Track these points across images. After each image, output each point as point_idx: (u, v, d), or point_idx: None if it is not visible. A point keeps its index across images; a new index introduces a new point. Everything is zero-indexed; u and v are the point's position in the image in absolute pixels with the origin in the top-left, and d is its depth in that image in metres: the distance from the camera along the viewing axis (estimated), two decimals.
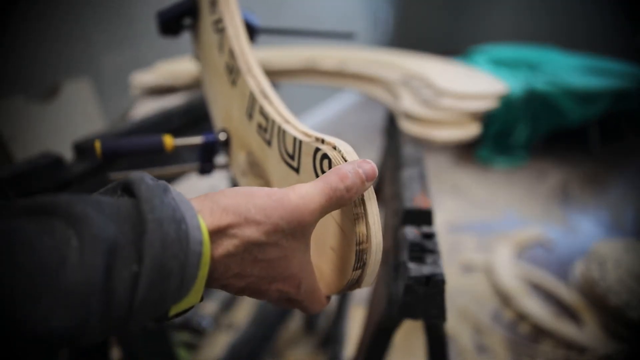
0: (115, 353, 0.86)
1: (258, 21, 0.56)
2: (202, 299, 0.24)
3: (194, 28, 0.53)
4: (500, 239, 1.68)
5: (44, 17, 1.21)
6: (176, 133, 0.70)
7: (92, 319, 0.18)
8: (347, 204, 0.26)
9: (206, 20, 0.48)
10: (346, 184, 0.25)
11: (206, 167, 0.50)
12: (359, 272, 0.27)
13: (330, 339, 1.18)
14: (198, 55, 0.55)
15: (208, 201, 0.23)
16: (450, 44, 3.58)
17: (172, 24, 0.51)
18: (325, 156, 0.28)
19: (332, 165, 0.27)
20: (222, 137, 0.46)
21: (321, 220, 0.30)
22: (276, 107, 0.36)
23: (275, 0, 2.31)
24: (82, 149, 0.57)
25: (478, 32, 3.65)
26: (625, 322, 1.19)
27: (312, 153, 0.29)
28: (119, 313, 0.19)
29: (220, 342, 1.20)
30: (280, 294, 0.27)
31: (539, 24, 3.37)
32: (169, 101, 0.76)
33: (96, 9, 1.34)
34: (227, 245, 0.23)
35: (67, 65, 1.30)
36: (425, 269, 0.36)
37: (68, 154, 0.57)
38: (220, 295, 1.37)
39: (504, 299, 1.38)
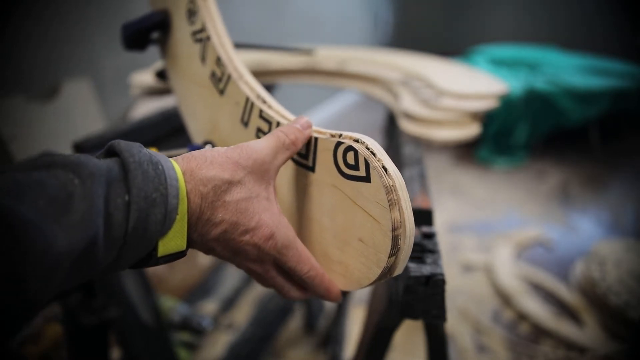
0: (115, 353, 0.86)
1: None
2: (187, 248, 0.27)
3: (164, 42, 0.50)
4: (500, 239, 1.68)
5: (45, 18, 1.21)
6: (175, 133, 0.70)
7: (100, 237, 0.21)
8: (292, 148, 0.31)
9: (182, 31, 0.47)
10: (284, 130, 0.31)
11: None
12: (393, 259, 0.28)
13: (330, 339, 1.18)
14: (167, 70, 0.52)
15: (181, 155, 0.29)
16: (450, 44, 3.58)
17: (138, 38, 0.48)
18: (350, 148, 0.28)
19: (359, 156, 0.28)
20: (207, 148, 0.45)
21: (345, 214, 0.30)
22: (278, 110, 0.36)
23: (276, 1, 2.31)
24: (82, 149, 0.57)
25: (478, 32, 3.65)
26: (625, 322, 1.19)
27: (332, 148, 0.30)
28: (118, 234, 0.23)
29: (220, 342, 1.20)
30: (259, 252, 0.28)
31: (539, 24, 3.37)
32: (169, 101, 0.76)
33: (96, 9, 1.34)
34: (197, 186, 0.26)
35: (67, 65, 1.30)
36: (425, 269, 0.36)
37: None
38: (220, 295, 1.37)
39: (504, 299, 1.38)
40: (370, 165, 0.27)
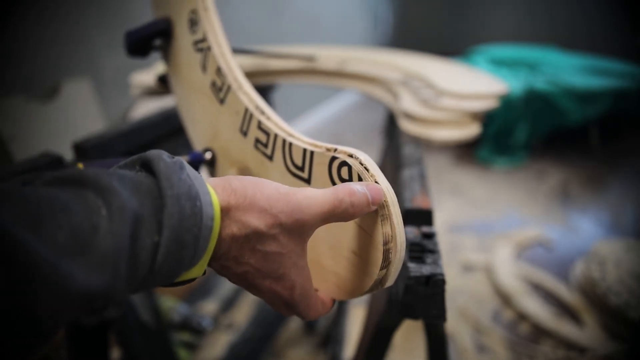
0: (115, 353, 0.86)
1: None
2: (204, 273, 0.26)
3: (166, 49, 0.51)
4: (500, 239, 1.68)
5: (45, 18, 1.21)
6: (175, 133, 0.70)
7: (121, 280, 0.20)
8: (348, 219, 0.27)
9: (184, 40, 0.47)
10: (352, 199, 0.26)
11: None
12: (384, 271, 0.29)
13: (330, 339, 1.18)
14: (169, 76, 0.53)
15: (222, 180, 0.26)
16: (451, 44, 3.58)
17: (141, 45, 0.49)
18: (344, 163, 0.29)
19: (352, 171, 0.28)
20: (207, 156, 0.46)
21: (340, 228, 0.30)
22: (276, 122, 0.37)
23: (276, 1, 2.31)
24: (82, 149, 0.57)
25: (478, 32, 3.65)
26: (625, 322, 1.19)
27: (327, 162, 0.30)
28: (141, 275, 0.21)
29: (220, 342, 1.20)
30: (274, 294, 0.28)
31: (539, 24, 3.37)
32: (169, 101, 0.76)
33: (96, 9, 1.34)
34: (231, 226, 0.24)
35: (67, 65, 1.30)
36: (425, 269, 0.36)
37: (68, 154, 0.57)
38: (220, 295, 1.37)
39: (504, 299, 1.38)
40: (364, 180, 0.28)
